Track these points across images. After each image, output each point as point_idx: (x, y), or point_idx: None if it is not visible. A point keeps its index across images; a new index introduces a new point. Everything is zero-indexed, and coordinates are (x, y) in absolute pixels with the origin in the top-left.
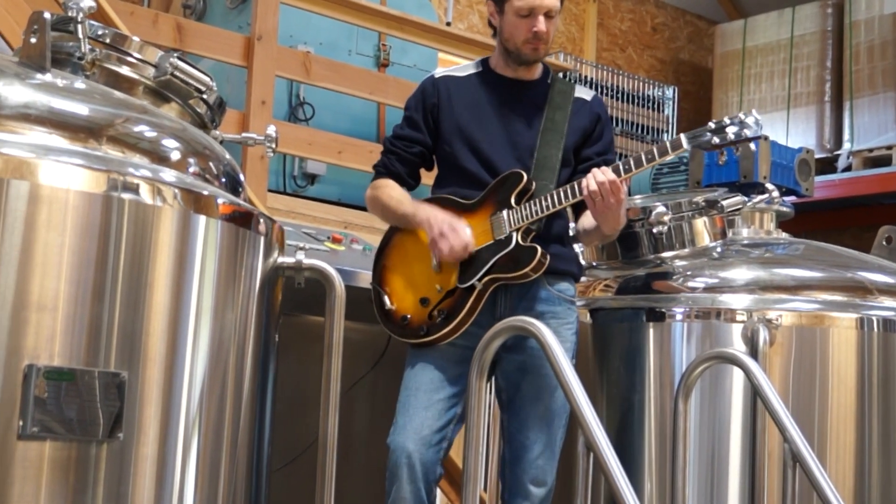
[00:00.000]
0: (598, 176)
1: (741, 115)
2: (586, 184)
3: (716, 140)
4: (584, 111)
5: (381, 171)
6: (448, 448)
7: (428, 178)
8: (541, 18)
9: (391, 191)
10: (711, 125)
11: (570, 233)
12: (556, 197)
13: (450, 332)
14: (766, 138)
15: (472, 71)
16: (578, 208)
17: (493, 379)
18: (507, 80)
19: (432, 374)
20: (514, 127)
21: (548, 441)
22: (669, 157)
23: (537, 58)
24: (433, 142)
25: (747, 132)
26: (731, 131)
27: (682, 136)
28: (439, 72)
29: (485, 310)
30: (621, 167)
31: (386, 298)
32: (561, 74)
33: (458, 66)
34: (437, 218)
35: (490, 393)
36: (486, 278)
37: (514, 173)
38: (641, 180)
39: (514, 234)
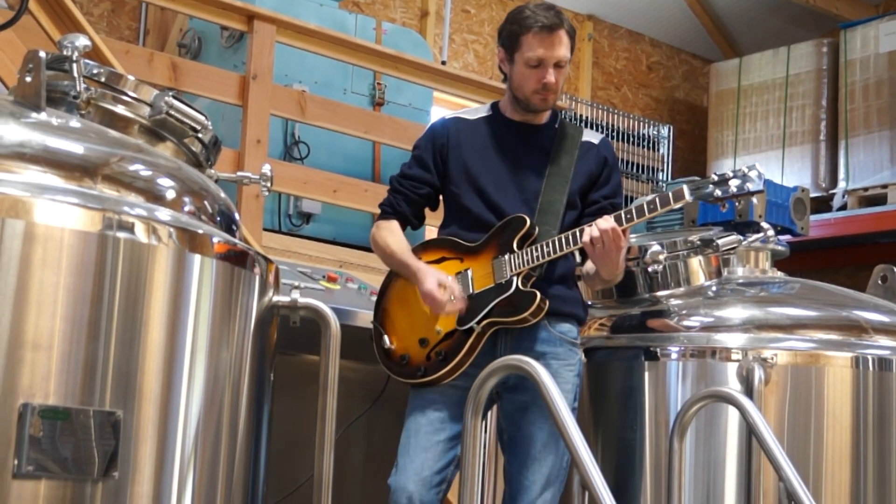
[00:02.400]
0: (601, 224)
1: (744, 169)
2: (588, 232)
3: (718, 193)
4: (591, 155)
5: (388, 210)
6: (447, 489)
7: (433, 217)
8: (550, 69)
9: (390, 237)
10: (714, 177)
11: (577, 273)
12: (557, 243)
13: (447, 373)
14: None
15: (482, 114)
16: (584, 251)
17: (496, 420)
18: (516, 124)
19: (433, 416)
20: (520, 171)
21: (547, 482)
22: (672, 208)
23: (546, 108)
24: (440, 182)
25: (750, 186)
26: (733, 184)
27: (685, 188)
28: (450, 114)
29: (485, 351)
30: (623, 216)
31: (386, 338)
32: (559, 114)
33: (469, 108)
34: (425, 274)
35: (487, 433)
36: (484, 321)
37: (517, 217)
38: None
39: (515, 279)
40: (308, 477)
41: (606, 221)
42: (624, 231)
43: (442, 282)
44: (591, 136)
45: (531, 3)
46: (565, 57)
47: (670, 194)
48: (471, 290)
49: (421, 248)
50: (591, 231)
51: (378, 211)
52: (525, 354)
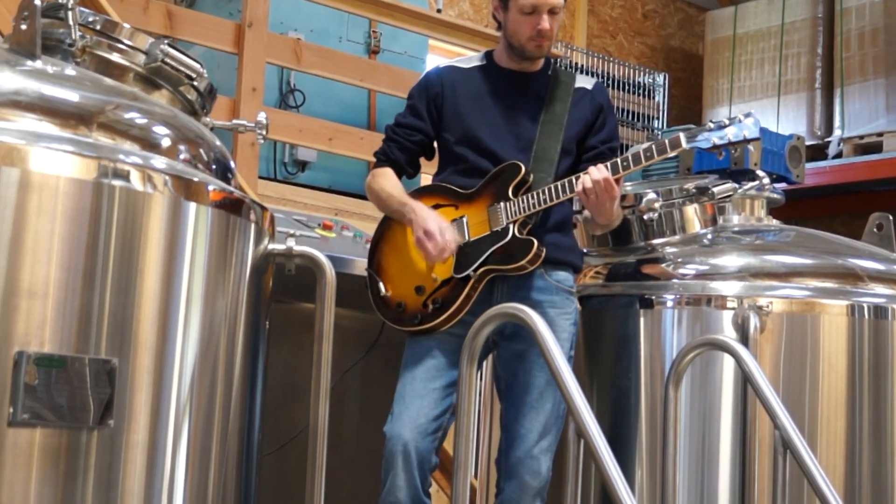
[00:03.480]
0: (594, 174)
1: (741, 116)
2: (581, 181)
3: (714, 140)
4: (586, 101)
5: (382, 158)
6: (444, 437)
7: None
8: (545, 16)
9: (385, 182)
10: (710, 125)
11: (580, 219)
12: (553, 191)
13: (444, 321)
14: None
15: (476, 63)
16: None
17: (493, 368)
18: (510, 73)
19: (429, 364)
20: (515, 119)
21: (544, 430)
22: (668, 156)
23: (541, 54)
24: (434, 131)
25: (746, 133)
26: (730, 132)
27: (682, 136)
28: (444, 63)
29: (481, 299)
30: (619, 164)
31: (381, 285)
32: (552, 61)
33: (463, 57)
34: (421, 218)
35: (482, 380)
36: (481, 269)
37: (511, 164)
38: None
39: (511, 226)
40: (304, 426)
41: (599, 171)
42: (618, 179)
43: (441, 228)
44: (585, 82)
45: None
46: (559, 3)
47: (667, 142)
48: (466, 238)
49: (415, 195)
50: (584, 180)
51: (374, 159)
52: (522, 303)
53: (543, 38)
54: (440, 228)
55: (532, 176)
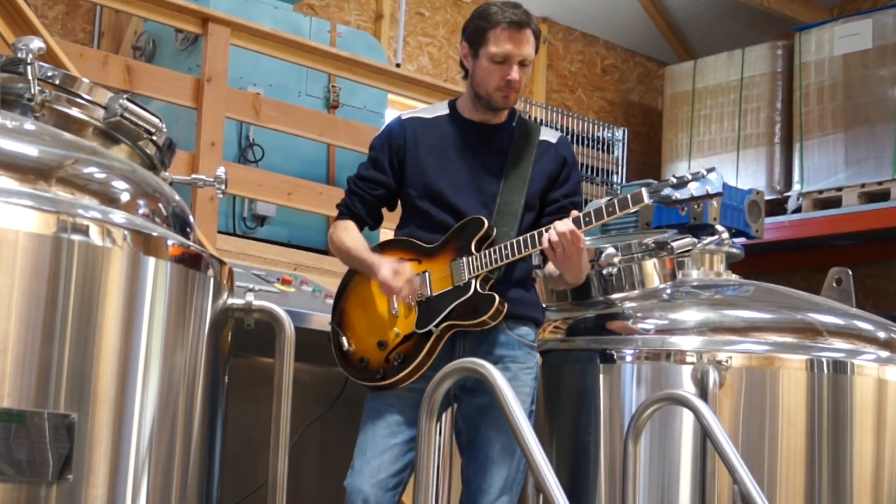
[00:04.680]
0: (560, 227)
1: (703, 171)
2: (547, 236)
3: (677, 195)
4: (550, 154)
5: (344, 210)
6: (403, 491)
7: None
8: (515, 67)
9: (346, 236)
10: (673, 179)
11: (540, 275)
12: (516, 246)
13: (405, 376)
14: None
15: (439, 113)
16: (545, 252)
17: (454, 422)
18: (474, 125)
19: (390, 419)
20: (478, 173)
21: (505, 485)
22: (630, 211)
23: (507, 105)
24: (397, 184)
25: (709, 189)
26: (692, 187)
27: (644, 191)
28: (406, 113)
29: (443, 355)
30: (581, 219)
31: (344, 340)
32: (516, 113)
33: (427, 107)
34: (381, 264)
35: (442, 435)
36: (443, 324)
37: (474, 219)
38: None
39: (473, 281)
40: (264, 481)
41: (565, 224)
42: (581, 233)
43: (396, 269)
44: (549, 135)
45: (497, 1)
46: (530, 55)
47: (629, 197)
48: (429, 293)
49: (378, 249)
50: (549, 234)
51: (334, 213)
52: (484, 358)
53: (511, 88)
54: (392, 270)
55: (495, 230)
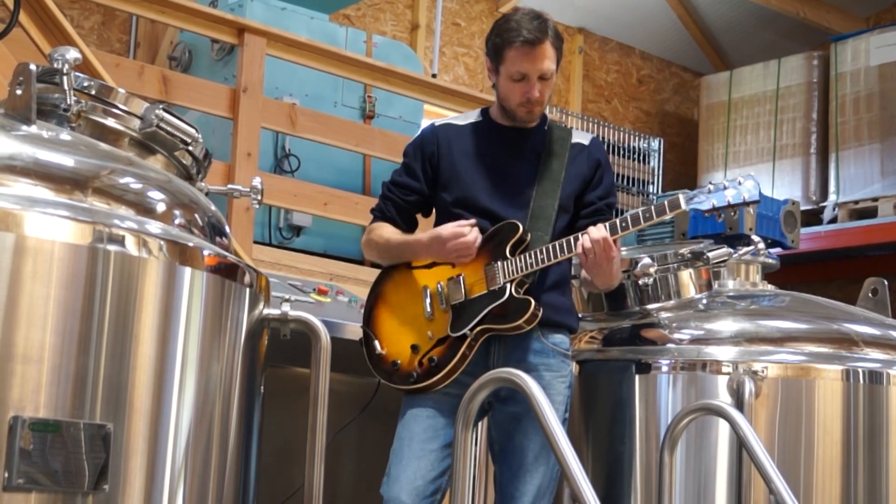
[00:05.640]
0: (593, 233)
1: (741, 179)
2: (581, 241)
3: (714, 202)
4: (583, 157)
5: (377, 215)
6: (442, 499)
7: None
8: (535, 83)
9: (383, 231)
10: (710, 187)
11: (576, 284)
12: (551, 251)
13: (439, 380)
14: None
15: (472, 119)
16: None
17: (488, 430)
18: (506, 129)
19: (425, 424)
20: (512, 177)
21: (538, 494)
22: (666, 217)
23: (532, 119)
24: (430, 190)
25: (746, 196)
26: (729, 195)
27: (681, 197)
28: (439, 121)
29: (477, 359)
30: (618, 225)
31: (376, 343)
32: (547, 117)
33: (460, 114)
34: (429, 236)
35: (477, 444)
36: (477, 328)
37: (509, 224)
38: None
39: (508, 286)
40: (298, 488)
41: (598, 231)
42: (616, 240)
43: (453, 231)
44: (581, 138)
45: (519, 10)
46: (549, 70)
47: (666, 203)
48: (463, 297)
49: None
50: (583, 240)
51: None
52: (517, 365)
53: (533, 104)
54: (453, 233)
55: (529, 235)
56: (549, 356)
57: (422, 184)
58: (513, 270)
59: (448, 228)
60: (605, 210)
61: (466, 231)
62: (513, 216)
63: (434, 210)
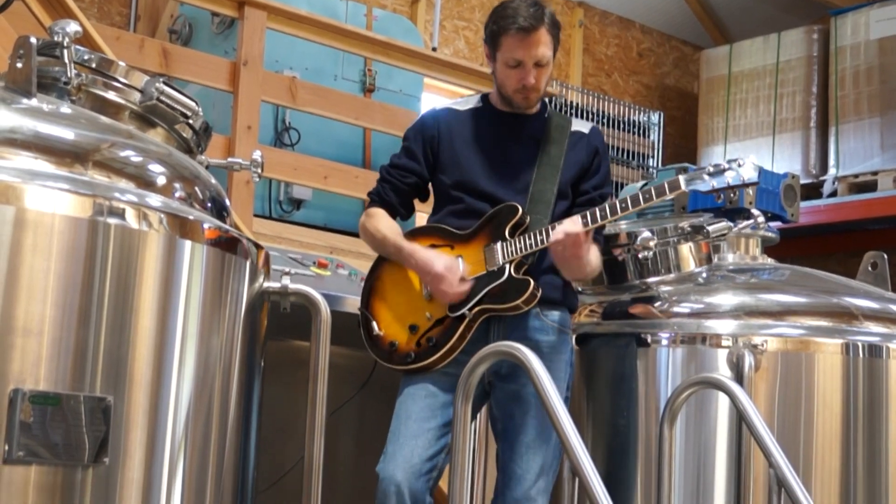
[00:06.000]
0: (567, 226)
1: (740, 160)
2: (554, 232)
3: (714, 184)
4: (582, 144)
5: (375, 199)
6: (438, 478)
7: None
8: (531, 70)
9: (379, 224)
10: (710, 168)
11: None
12: (549, 233)
13: (438, 359)
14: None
15: (472, 105)
16: None
17: (489, 409)
18: (506, 115)
19: (423, 403)
20: (512, 161)
21: (541, 471)
22: (668, 198)
23: (528, 106)
24: (430, 173)
25: (745, 178)
26: (729, 176)
27: (681, 178)
28: (440, 105)
29: (477, 339)
30: (618, 206)
31: (374, 324)
32: (547, 100)
33: (460, 99)
34: (424, 261)
35: (478, 421)
36: (476, 308)
37: (508, 206)
38: None
39: (507, 266)
40: (298, 461)
41: (573, 224)
42: (588, 235)
43: (448, 267)
44: (581, 126)
45: None
46: (545, 56)
47: (666, 184)
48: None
49: (410, 235)
50: (556, 232)
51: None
52: (517, 343)
53: (529, 90)
54: (447, 267)
55: (529, 217)
56: (549, 333)
57: (421, 166)
58: (512, 251)
59: (444, 264)
60: (598, 200)
61: (457, 280)
62: (512, 199)
63: (433, 194)
